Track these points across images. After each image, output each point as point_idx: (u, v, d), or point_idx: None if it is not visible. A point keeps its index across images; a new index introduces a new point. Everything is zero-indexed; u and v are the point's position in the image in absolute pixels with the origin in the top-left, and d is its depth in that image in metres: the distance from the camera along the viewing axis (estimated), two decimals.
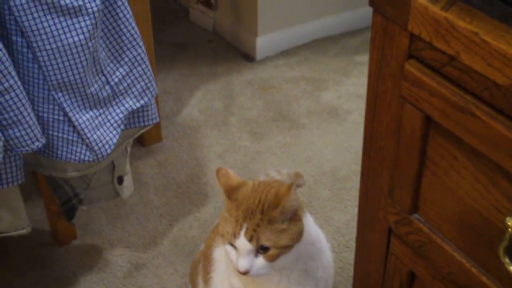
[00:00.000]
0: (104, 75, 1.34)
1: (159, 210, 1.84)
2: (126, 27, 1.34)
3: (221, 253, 1.26)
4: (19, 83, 1.20)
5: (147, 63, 1.40)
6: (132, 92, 1.40)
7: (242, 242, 1.08)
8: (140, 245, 1.74)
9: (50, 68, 1.24)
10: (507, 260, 0.71)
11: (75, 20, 1.22)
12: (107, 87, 1.35)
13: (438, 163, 0.80)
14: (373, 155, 0.91)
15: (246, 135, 2.11)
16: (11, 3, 1.17)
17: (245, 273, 1.10)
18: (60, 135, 1.32)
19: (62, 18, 1.21)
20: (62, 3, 1.20)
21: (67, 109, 1.30)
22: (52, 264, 1.69)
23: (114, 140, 1.38)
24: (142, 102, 1.42)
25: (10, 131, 1.22)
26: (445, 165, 0.79)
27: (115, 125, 1.38)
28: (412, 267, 0.92)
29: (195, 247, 1.70)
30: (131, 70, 1.38)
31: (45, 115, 1.30)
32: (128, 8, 1.33)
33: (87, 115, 1.33)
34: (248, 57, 2.53)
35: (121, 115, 1.39)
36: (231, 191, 1.13)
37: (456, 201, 0.79)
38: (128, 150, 1.54)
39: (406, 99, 0.79)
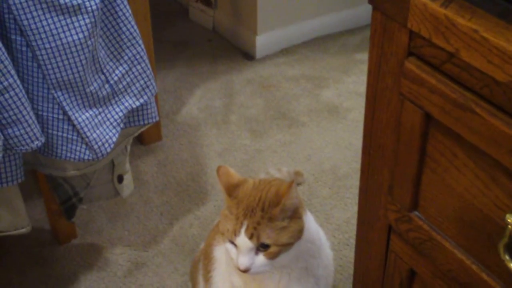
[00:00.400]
0: (103, 73, 1.34)
1: (159, 208, 1.84)
2: (125, 25, 1.33)
3: (222, 252, 1.26)
4: (18, 82, 1.20)
5: (147, 61, 1.40)
6: (132, 91, 1.40)
7: (243, 239, 1.08)
8: (140, 244, 1.74)
9: (49, 66, 1.24)
10: (507, 257, 0.71)
11: (74, 18, 1.22)
12: (106, 85, 1.35)
13: (438, 160, 0.80)
14: (373, 152, 0.91)
15: (246, 133, 2.11)
16: (10, 2, 1.17)
17: (245, 270, 1.10)
18: (60, 134, 1.32)
19: (61, 17, 1.21)
20: (61, 1, 1.20)
21: (67, 108, 1.30)
22: (52, 263, 1.69)
23: (114, 139, 1.38)
24: (141, 100, 1.42)
25: (10, 130, 1.22)
26: (445, 162, 0.79)
27: (114, 123, 1.38)
28: (412, 265, 0.91)
29: (195, 246, 1.70)
30: (130, 69, 1.38)
31: (45, 114, 1.30)
32: (128, 7, 1.33)
33: (87, 114, 1.33)
34: (248, 56, 2.53)
35: (120, 114, 1.39)
36: (231, 189, 1.13)
37: (456, 198, 0.79)
38: (128, 149, 1.54)
39: (406, 97, 0.79)
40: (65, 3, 1.20)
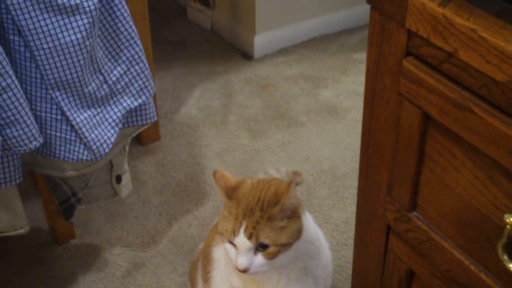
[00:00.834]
0: (101, 74, 1.33)
1: (158, 209, 1.84)
2: (123, 25, 1.33)
3: (221, 252, 1.26)
4: (16, 82, 1.19)
5: (145, 61, 1.40)
6: (130, 91, 1.40)
7: (242, 239, 1.08)
8: (139, 244, 1.73)
9: (47, 67, 1.24)
10: (505, 257, 0.71)
11: (72, 19, 1.22)
12: (104, 86, 1.35)
13: (437, 160, 0.79)
14: (372, 152, 0.91)
15: (245, 133, 2.11)
16: (8, 2, 1.17)
17: (244, 270, 1.09)
18: (58, 134, 1.32)
19: (59, 17, 1.21)
20: (59, 1, 1.20)
21: (65, 108, 1.29)
22: (51, 264, 1.68)
23: (112, 139, 1.37)
24: (140, 101, 1.42)
25: (8, 131, 1.22)
26: (444, 162, 0.78)
27: (113, 124, 1.38)
28: (411, 265, 0.91)
29: (194, 246, 1.70)
30: (128, 69, 1.38)
31: (43, 114, 1.30)
32: (126, 7, 1.33)
33: (85, 114, 1.33)
34: (246, 56, 2.53)
35: (119, 114, 1.39)
36: (231, 192, 1.13)
37: (455, 198, 0.79)
38: (126, 149, 1.54)
39: (404, 96, 0.79)
40: (63, 3, 1.20)
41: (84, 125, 1.33)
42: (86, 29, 1.24)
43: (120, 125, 1.40)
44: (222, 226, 1.12)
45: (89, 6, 1.23)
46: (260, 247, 1.09)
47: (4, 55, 1.17)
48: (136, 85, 1.40)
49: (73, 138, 1.33)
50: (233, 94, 2.31)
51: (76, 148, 1.34)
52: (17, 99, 1.20)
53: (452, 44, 0.69)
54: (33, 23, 1.20)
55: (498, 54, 0.64)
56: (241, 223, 1.08)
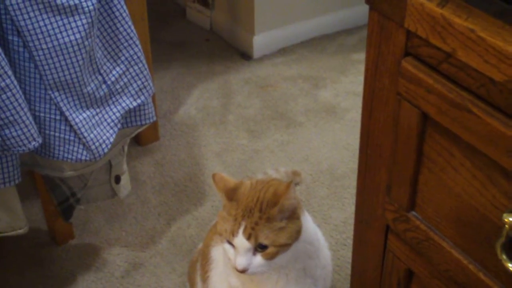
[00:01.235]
0: (100, 74, 1.33)
1: (156, 209, 1.84)
2: (122, 26, 1.33)
3: (219, 252, 1.26)
4: (15, 82, 1.19)
5: (144, 62, 1.40)
6: (129, 91, 1.40)
7: (241, 240, 1.08)
8: (138, 244, 1.73)
9: (46, 67, 1.24)
10: (504, 257, 0.71)
11: (71, 19, 1.22)
12: (103, 86, 1.35)
13: (435, 160, 0.80)
14: (370, 152, 0.91)
15: (244, 133, 2.11)
16: (7, 2, 1.17)
17: (243, 271, 1.10)
18: (57, 134, 1.32)
19: (58, 17, 1.21)
20: (58, 2, 1.20)
21: (64, 109, 1.29)
22: (50, 264, 1.68)
23: (111, 139, 1.37)
24: (138, 101, 1.42)
25: (7, 131, 1.22)
26: (442, 162, 0.79)
27: (111, 124, 1.38)
28: (410, 265, 0.91)
29: (193, 246, 1.70)
30: (127, 69, 1.38)
31: (42, 114, 1.30)
32: (124, 7, 1.33)
33: (84, 115, 1.33)
34: (245, 56, 2.53)
35: (117, 114, 1.39)
36: (230, 193, 1.13)
37: (453, 198, 0.79)
38: (125, 149, 1.54)
39: (403, 96, 0.79)
40: (62, 4, 1.20)
41: (83, 125, 1.33)
42: (85, 29, 1.24)
43: (119, 125, 1.40)
44: (221, 227, 1.12)
45: (88, 7, 1.23)
46: (259, 248, 1.09)
47: (3, 56, 1.17)
48: (135, 85, 1.40)
49: (72, 138, 1.33)
50: (232, 94, 2.31)
51: (75, 148, 1.34)
52: (16, 100, 1.20)
53: (450, 44, 0.69)
54: (32, 24, 1.20)
55: (496, 54, 0.64)
56: (240, 224, 1.08)
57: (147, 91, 1.43)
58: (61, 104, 1.29)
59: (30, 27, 1.20)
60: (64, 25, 1.22)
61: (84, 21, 1.23)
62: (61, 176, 1.43)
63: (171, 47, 2.60)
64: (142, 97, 1.42)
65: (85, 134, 1.33)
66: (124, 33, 1.34)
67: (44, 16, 1.20)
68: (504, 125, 0.67)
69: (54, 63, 1.24)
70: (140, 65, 1.39)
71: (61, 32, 1.22)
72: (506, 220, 0.69)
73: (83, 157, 1.35)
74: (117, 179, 1.56)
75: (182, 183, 1.92)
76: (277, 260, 1.11)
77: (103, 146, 1.36)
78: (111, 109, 1.38)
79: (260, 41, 2.49)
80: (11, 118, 1.20)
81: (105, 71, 1.34)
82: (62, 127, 1.32)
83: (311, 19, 2.60)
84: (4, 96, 1.18)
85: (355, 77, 2.38)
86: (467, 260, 0.80)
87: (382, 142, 0.88)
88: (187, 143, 2.08)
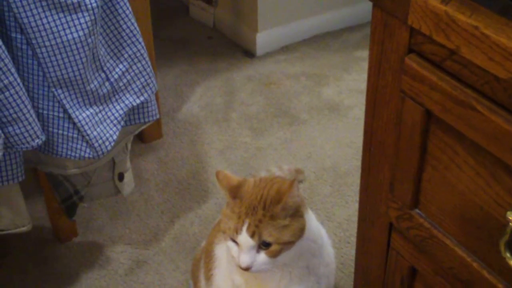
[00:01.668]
0: (103, 71, 1.33)
1: (160, 206, 1.84)
2: (125, 23, 1.33)
3: (223, 250, 1.26)
4: (18, 80, 1.20)
5: (147, 59, 1.40)
6: (132, 89, 1.40)
7: (244, 237, 1.08)
8: (141, 242, 1.74)
9: (49, 64, 1.24)
10: (508, 255, 0.71)
11: (74, 16, 1.22)
12: (107, 83, 1.35)
13: (439, 157, 0.79)
14: (374, 150, 0.91)
15: (247, 131, 2.11)
16: (10, 0, 1.17)
17: (247, 268, 1.10)
18: (60, 132, 1.32)
19: (61, 14, 1.21)
20: None
21: (67, 106, 1.30)
22: (53, 261, 1.69)
23: (114, 137, 1.37)
24: (142, 98, 1.42)
25: (10, 128, 1.22)
26: (446, 160, 0.78)
27: (115, 121, 1.38)
28: (413, 262, 0.91)
29: (196, 244, 1.70)
30: (130, 67, 1.38)
31: (45, 112, 1.30)
32: (128, 4, 1.33)
33: (87, 112, 1.33)
34: (248, 53, 2.53)
35: (121, 112, 1.39)
36: (234, 191, 1.13)
37: (457, 196, 0.79)
38: (128, 147, 1.54)
39: (407, 94, 0.79)
40: (65, 1, 1.20)
41: (87, 123, 1.33)
42: (88, 27, 1.24)
43: (122, 123, 1.40)
44: (224, 225, 1.12)
45: (91, 4, 1.23)
46: (263, 245, 1.09)
47: (6, 53, 1.17)
48: (138, 82, 1.40)
49: (75, 135, 1.33)
50: (235, 91, 2.31)
51: (79, 146, 1.34)
52: (19, 97, 1.20)
53: (454, 41, 0.69)
54: (35, 21, 1.20)
55: (500, 51, 0.64)
56: (243, 221, 1.08)
57: (150, 88, 1.43)
58: (64, 101, 1.29)
59: (33, 24, 1.20)
60: (67, 22, 1.22)
61: (87, 18, 1.23)
62: (65, 173, 1.43)
63: (174, 44, 2.60)
64: (146, 95, 1.42)
65: (89, 132, 1.33)
66: (127, 31, 1.34)
67: (47, 13, 1.20)
68: (508, 123, 0.67)
69: (57, 60, 1.24)
70: (143, 62, 1.39)
71: (64, 30, 1.22)
72: (510, 217, 0.69)
73: (87, 155, 1.35)
74: (121, 177, 1.56)
75: (186, 181, 1.92)
76: (281, 258, 1.11)
77: (107, 143, 1.36)
78: (114, 107, 1.38)
79: (263, 39, 2.49)
80: (14, 116, 1.20)
81: (108, 68, 1.34)
82: (66, 125, 1.32)
83: (314, 16, 2.59)
84: (7, 94, 1.18)
85: (359, 75, 2.38)
86: (471, 258, 0.80)
87: (385, 139, 0.87)
88: (190, 141, 2.08)
